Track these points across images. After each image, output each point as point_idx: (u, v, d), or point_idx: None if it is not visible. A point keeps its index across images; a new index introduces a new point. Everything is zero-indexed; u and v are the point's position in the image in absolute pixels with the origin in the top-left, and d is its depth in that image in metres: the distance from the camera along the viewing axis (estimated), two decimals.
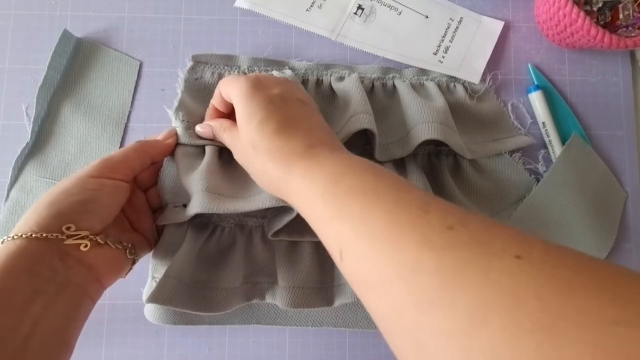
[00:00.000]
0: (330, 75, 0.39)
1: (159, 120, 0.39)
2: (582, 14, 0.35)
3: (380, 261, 0.19)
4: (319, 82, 0.39)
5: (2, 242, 0.26)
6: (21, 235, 0.26)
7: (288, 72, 0.38)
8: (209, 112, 0.36)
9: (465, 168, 0.38)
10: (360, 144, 0.37)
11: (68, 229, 0.27)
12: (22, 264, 0.25)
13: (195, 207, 0.31)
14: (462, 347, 0.15)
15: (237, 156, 0.32)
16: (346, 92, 0.37)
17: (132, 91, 0.39)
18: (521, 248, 0.16)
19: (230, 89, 0.31)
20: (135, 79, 0.39)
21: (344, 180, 0.23)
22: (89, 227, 0.28)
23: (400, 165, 0.37)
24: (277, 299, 0.34)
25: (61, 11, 0.40)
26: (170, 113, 0.38)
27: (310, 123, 0.29)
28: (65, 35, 0.38)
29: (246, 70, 0.39)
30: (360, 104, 0.35)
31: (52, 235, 0.26)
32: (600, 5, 0.38)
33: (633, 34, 0.38)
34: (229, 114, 0.34)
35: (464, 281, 0.16)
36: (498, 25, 0.41)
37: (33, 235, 0.26)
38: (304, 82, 0.39)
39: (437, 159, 0.38)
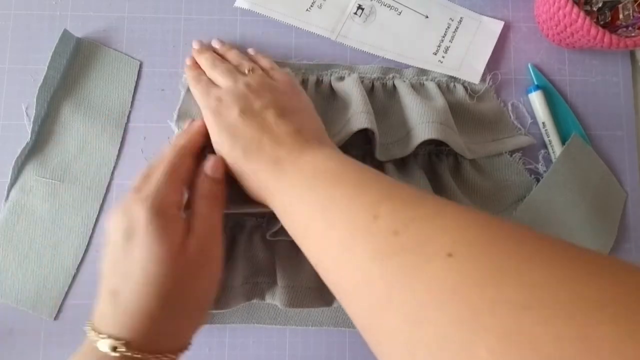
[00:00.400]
0: (331, 75, 0.39)
1: (158, 120, 0.39)
2: (582, 14, 0.35)
3: (344, 272, 0.21)
4: (318, 82, 0.39)
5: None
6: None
7: (287, 71, 0.38)
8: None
9: (465, 168, 0.38)
10: (361, 143, 0.37)
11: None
12: None
13: None
14: (406, 343, 0.17)
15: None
16: (346, 91, 0.37)
17: (132, 91, 0.39)
18: (454, 246, 0.18)
19: (203, 111, 0.32)
20: (135, 79, 0.39)
21: (304, 197, 0.25)
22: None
23: (400, 165, 0.37)
24: (276, 299, 0.34)
25: (61, 11, 0.40)
26: (172, 125, 0.38)
27: (278, 128, 0.29)
28: (65, 35, 0.38)
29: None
30: (361, 103, 0.35)
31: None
32: (600, 5, 0.38)
33: (633, 34, 0.38)
34: None
35: (404, 284, 0.18)
36: (498, 25, 0.41)
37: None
38: (304, 81, 0.39)
39: (438, 159, 0.38)
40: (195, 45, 0.38)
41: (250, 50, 0.39)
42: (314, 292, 0.35)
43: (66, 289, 0.37)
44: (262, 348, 0.37)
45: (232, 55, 0.37)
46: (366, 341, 0.21)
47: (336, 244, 0.22)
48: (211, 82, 0.34)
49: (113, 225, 0.27)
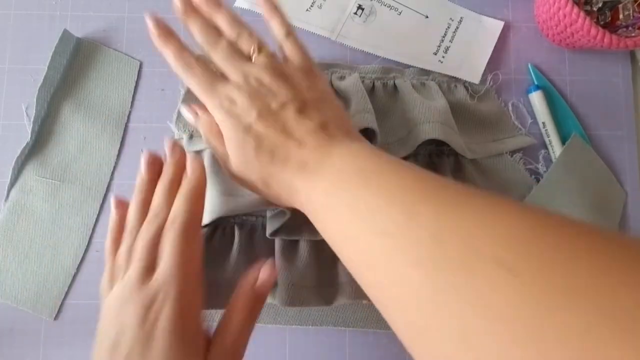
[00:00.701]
0: (331, 74, 0.39)
1: (158, 120, 0.39)
2: (582, 14, 0.35)
3: (385, 282, 0.20)
4: None
5: None
6: None
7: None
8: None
9: (466, 168, 0.38)
10: None
11: None
12: None
13: (217, 211, 0.33)
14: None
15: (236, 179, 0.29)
16: (347, 91, 0.37)
17: (132, 91, 0.39)
18: (505, 255, 0.16)
19: (212, 113, 0.28)
20: (135, 79, 0.39)
21: (335, 201, 0.23)
22: None
23: None
24: (276, 298, 0.34)
25: (61, 11, 0.40)
26: (172, 126, 0.38)
27: (299, 127, 0.26)
28: (65, 35, 0.38)
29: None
30: (362, 103, 0.35)
31: None
32: (600, 5, 0.38)
33: (633, 34, 0.38)
34: None
35: (450, 302, 0.16)
36: (498, 25, 0.41)
37: None
38: None
39: (439, 159, 0.38)
40: (177, 2, 0.30)
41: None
42: (314, 291, 0.35)
43: (66, 289, 0.37)
44: (262, 348, 0.37)
45: (224, 20, 0.29)
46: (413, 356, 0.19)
47: (375, 250, 0.20)
48: (212, 73, 0.28)
49: (127, 319, 0.23)
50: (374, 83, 0.39)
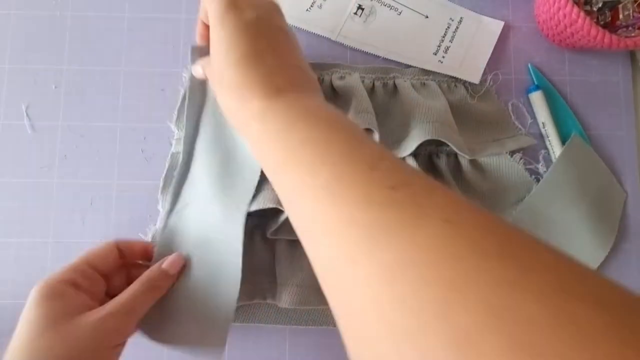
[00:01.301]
0: (331, 74, 0.39)
1: (158, 120, 0.39)
2: (582, 14, 0.35)
3: (320, 214, 0.19)
4: (319, 82, 0.39)
5: None
6: None
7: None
8: (199, 27, 0.32)
9: (465, 168, 0.38)
10: None
11: None
12: None
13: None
14: (375, 297, 0.16)
15: (212, 88, 0.30)
16: (347, 91, 0.37)
17: None
18: (453, 213, 0.17)
19: (207, 5, 0.28)
20: None
21: (296, 127, 0.22)
22: None
23: None
24: (276, 298, 0.34)
25: (61, 11, 0.40)
26: (172, 126, 0.38)
27: (282, 56, 0.27)
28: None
29: None
30: (362, 103, 0.35)
31: None
32: (600, 5, 0.38)
33: (633, 34, 0.38)
34: None
35: (391, 237, 0.16)
36: (498, 25, 0.41)
37: None
38: None
39: (438, 159, 0.38)
40: None
41: None
42: (314, 291, 0.35)
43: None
44: (262, 348, 0.37)
45: None
46: (326, 294, 0.19)
47: (320, 184, 0.20)
48: None
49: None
50: (374, 83, 0.39)
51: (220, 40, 0.26)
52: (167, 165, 0.38)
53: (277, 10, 0.29)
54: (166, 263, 0.32)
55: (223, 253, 0.33)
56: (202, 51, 0.32)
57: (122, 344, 0.29)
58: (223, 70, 0.26)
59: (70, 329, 0.27)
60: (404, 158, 0.37)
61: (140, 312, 0.30)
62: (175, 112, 0.38)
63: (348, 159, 0.20)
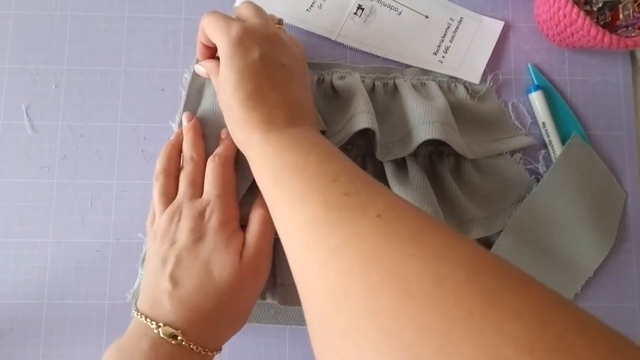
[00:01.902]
0: (332, 74, 0.39)
1: (158, 120, 0.39)
2: (582, 14, 0.35)
3: (293, 216, 0.24)
4: (319, 81, 0.39)
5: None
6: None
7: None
8: (199, 48, 0.35)
9: (466, 168, 0.38)
10: (362, 143, 0.37)
11: None
12: None
13: None
14: (324, 272, 0.21)
15: (220, 104, 0.33)
16: (347, 91, 0.37)
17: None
18: (385, 211, 0.22)
19: (215, 39, 0.31)
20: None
21: (283, 154, 0.28)
22: None
23: (401, 164, 0.37)
24: (275, 297, 0.34)
25: (61, 11, 0.40)
26: (174, 126, 0.38)
27: (283, 93, 0.30)
28: None
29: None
30: (362, 103, 0.35)
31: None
32: (600, 5, 0.38)
33: (633, 34, 0.38)
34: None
35: (338, 229, 0.22)
36: (498, 25, 0.41)
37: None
38: None
39: (438, 159, 0.38)
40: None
41: None
42: None
43: None
44: (262, 348, 0.37)
45: None
46: (295, 279, 0.24)
47: (295, 195, 0.25)
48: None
49: (181, 225, 0.31)
50: (374, 83, 0.39)
51: (228, 80, 0.30)
52: None
53: (279, 44, 0.32)
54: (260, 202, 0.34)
55: None
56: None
57: None
58: (230, 107, 0.30)
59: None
60: (404, 158, 0.37)
61: (271, 245, 0.33)
62: (178, 114, 0.38)
63: (317, 174, 0.25)
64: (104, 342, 0.37)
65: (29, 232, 0.38)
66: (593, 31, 0.35)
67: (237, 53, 0.29)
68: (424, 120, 0.35)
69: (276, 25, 0.34)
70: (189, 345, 0.28)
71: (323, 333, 0.20)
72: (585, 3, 0.39)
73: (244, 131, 0.30)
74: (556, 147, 0.39)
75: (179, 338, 0.28)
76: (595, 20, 0.38)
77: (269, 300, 0.35)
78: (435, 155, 0.38)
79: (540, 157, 0.40)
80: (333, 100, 0.38)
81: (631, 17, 0.38)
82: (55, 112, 0.39)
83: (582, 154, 0.39)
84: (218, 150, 0.34)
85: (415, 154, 0.37)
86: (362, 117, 0.34)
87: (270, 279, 0.35)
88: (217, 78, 0.32)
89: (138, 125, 0.39)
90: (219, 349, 0.31)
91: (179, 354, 0.28)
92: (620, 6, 0.38)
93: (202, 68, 0.36)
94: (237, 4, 0.40)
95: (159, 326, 0.28)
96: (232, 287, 0.30)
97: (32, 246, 0.38)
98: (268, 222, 0.32)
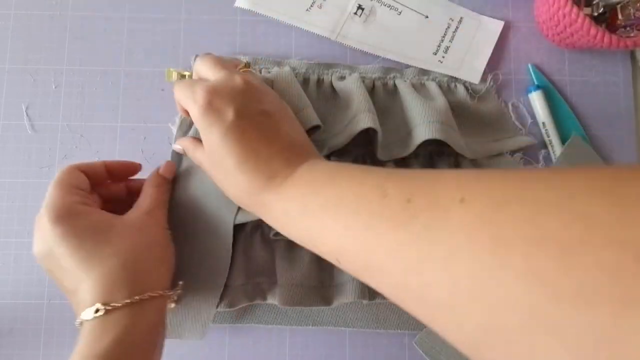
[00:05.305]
0: (332, 74, 0.39)
1: (158, 120, 0.39)
2: (581, 13, 0.35)
3: (372, 255, 0.21)
4: (319, 82, 0.39)
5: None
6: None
7: (287, 69, 0.38)
8: (179, 108, 0.33)
9: (466, 168, 0.38)
10: (363, 143, 0.37)
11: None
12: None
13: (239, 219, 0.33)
14: (450, 293, 0.18)
15: (212, 179, 0.31)
16: (348, 91, 0.37)
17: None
18: (461, 191, 0.19)
19: (187, 108, 0.29)
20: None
21: (306, 201, 0.25)
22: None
23: (401, 165, 0.37)
24: (276, 298, 0.34)
25: (61, 11, 0.40)
26: (174, 128, 0.38)
27: (273, 140, 0.28)
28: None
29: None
30: (363, 103, 0.35)
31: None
32: (602, 10, 0.38)
33: (633, 34, 0.38)
34: None
35: (432, 241, 0.19)
36: (498, 25, 0.41)
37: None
38: (305, 81, 0.39)
39: (439, 159, 0.38)
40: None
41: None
42: (314, 291, 0.35)
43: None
44: (262, 348, 0.37)
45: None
46: (403, 306, 0.21)
47: (357, 234, 0.22)
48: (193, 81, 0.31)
49: (37, 250, 0.29)
50: (374, 83, 0.39)
51: (212, 150, 0.28)
52: None
53: (252, 92, 0.29)
54: (162, 169, 0.34)
55: (214, 236, 0.34)
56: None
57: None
58: (226, 177, 0.29)
59: (119, 230, 0.29)
60: (404, 158, 0.37)
61: (163, 212, 0.33)
62: (178, 119, 0.38)
63: (362, 200, 0.23)
64: None
65: (29, 232, 0.38)
66: (593, 31, 0.35)
67: (211, 119, 0.27)
68: (424, 120, 0.35)
69: (242, 71, 0.31)
70: (115, 305, 0.26)
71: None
72: (587, 5, 0.39)
73: (251, 196, 0.28)
74: (556, 147, 0.39)
75: (100, 308, 0.26)
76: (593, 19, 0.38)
77: (269, 301, 0.35)
78: (435, 155, 0.38)
79: (541, 157, 0.40)
80: (333, 100, 0.38)
81: (632, 17, 0.38)
82: (55, 112, 0.39)
83: (582, 154, 0.39)
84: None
85: (415, 154, 0.37)
86: (364, 117, 0.34)
87: (270, 280, 0.35)
88: (201, 153, 0.31)
89: (138, 125, 0.39)
90: (163, 287, 0.29)
91: (125, 317, 0.26)
92: (619, 6, 0.38)
93: (176, 149, 0.34)
94: (237, 3, 0.40)
95: (81, 319, 0.26)
96: (122, 239, 0.29)
97: (32, 246, 0.38)
98: (159, 185, 0.33)
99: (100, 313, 0.26)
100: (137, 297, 0.27)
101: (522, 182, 0.18)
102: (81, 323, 0.27)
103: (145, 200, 0.32)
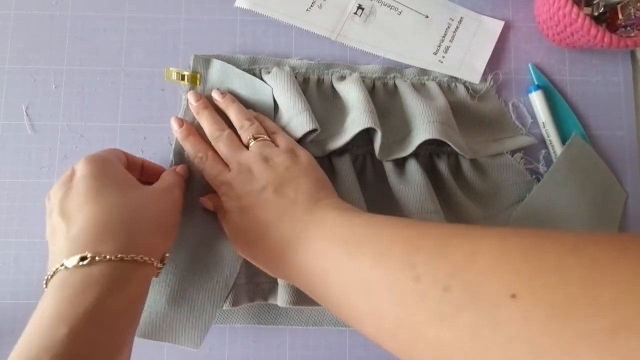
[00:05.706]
0: (332, 74, 0.39)
1: (158, 120, 0.39)
2: (581, 13, 0.35)
3: (409, 348, 0.20)
4: (320, 82, 0.39)
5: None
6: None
7: (286, 70, 0.38)
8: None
9: (466, 168, 0.38)
10: (363, 143, 0.37)
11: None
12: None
13: None
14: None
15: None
16: (348, 91, 0.37)
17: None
18: (512, 284, 0.17)
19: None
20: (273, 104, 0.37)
21: (325, 275, 0.25)
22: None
23: (401, 164, 0.37)
24: (277, 297, 0.34)
25: (61, 11, 0.40)
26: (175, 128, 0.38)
27: (278, 213, 0.30)
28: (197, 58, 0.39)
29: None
30: (363, 103, 0.35)
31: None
32: (602, 10, 0.38)
33: (633, 34, 0.38)
34: None
35: (479, 345, 0.17)
36: (498, 25, 0.41)
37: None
38: (305, 81, 0.39)
39: (439, 159, 0.38)
40: (192, 100, 0.36)
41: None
42: None
43: None
44: (262, 348, 0.37)
45: (234, 112, 0.36)
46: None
47: (388, 322, 0.21)
48: (217, 165, 0.34)
49: (59, 182, 0.30)
50: (374, 83, 0.39)
51: (233, 241, 0.33)
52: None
53: (255, 175, 0.32)
54: (178, 168, 0.35)
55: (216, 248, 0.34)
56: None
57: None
58: (246, 256, 0.32)
59: (142, 190, 0.31)
60: (404, 158, 0.37)
61: (181, 193, 0.33)
62: (181, 115, 0.38)
63: (390, 282, 0.21)
64: None
65: (29, 232, 0.38)
66: (593, 31, 0.35)
67: (228, 206, 0.32)
68: (424, 120, 0.35)
69: (252, 143, 0.34)
70: (104, 258, 0.25)
71: None
72: (587, 5, 0.39)
73: (271, 267, 0.30)
74: (556, 147, 0.39)
75: (87, 256, 0.25)
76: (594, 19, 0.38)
77: (270, 301, 0.35)
78: (435, 155, 0.38)
79: (541, 157, 0.40)
80: (333, 100, 0.38)
81: (632, 17, 0.38)
82: (55, 112, 0.39)
83: (583, 153, 0.39)
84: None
85: (415, 154, 0.37)
86: (365, 117, 0.34)
87: (271, 281, 0.35)
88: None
89: (138, 125, 0.39)
90: (156, 258, 0.29)
91: (109, 276, 0.25)
92: (620, 6, 0.38)
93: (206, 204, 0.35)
94: (237, 3, 0.40)
95: (62, 265, 0.25)
96: (127, 203, 0.29)
97: (32, 246, 0.38)
98: (178, 174, 0.35)
99: (85, 262, 0.25)
100: (126, 255, 0.26)
101: (584, 281, 0.16)
102: (53, 274, 0.25)
103: (166, 179, 0.33)
